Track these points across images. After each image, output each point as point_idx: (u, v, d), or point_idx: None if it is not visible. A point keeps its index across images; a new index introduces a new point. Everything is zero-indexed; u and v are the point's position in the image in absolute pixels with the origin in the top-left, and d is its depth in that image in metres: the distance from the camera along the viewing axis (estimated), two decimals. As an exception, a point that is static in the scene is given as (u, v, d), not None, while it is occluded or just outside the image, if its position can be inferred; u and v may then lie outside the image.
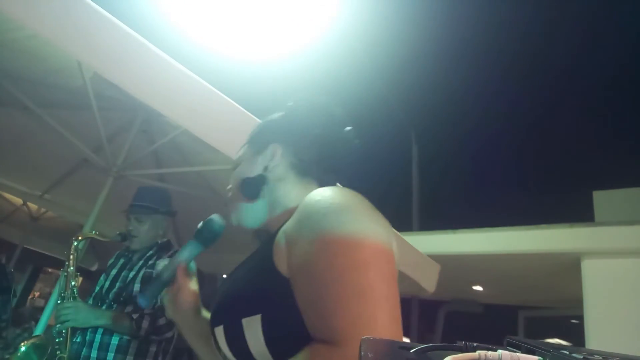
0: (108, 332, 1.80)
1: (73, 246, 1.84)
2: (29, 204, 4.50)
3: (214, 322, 0.70)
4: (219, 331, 0.68)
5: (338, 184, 0.83)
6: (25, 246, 5.09)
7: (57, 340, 1.72)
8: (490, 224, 4.39)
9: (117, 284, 1.93)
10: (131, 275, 1.93)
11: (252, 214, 0.84)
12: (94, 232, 1.98)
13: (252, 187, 0.83)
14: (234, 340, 0.65)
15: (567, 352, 0.25)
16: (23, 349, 1.67)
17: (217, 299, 0.73)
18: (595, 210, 5.60)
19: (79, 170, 3.38)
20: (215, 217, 0.92)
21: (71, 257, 1.83)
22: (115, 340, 1.80)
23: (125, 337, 1.81)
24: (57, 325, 1.71)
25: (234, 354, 0.66)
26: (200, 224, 0.92)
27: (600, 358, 0.24)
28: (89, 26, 1.40)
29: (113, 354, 1.78)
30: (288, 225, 0.66)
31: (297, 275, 0.59)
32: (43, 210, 4.62)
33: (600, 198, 5.67)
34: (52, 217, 4.76)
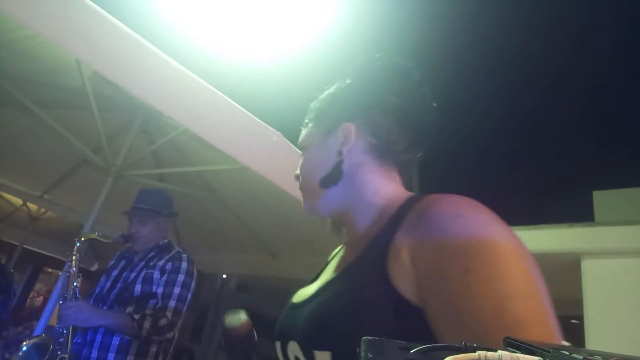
0: (109, 332, 1.80)
1: (76, 247, 1.85)
2: (29, 204, 4.50)
3: (313, 344, 0.57)
4: (322, 356, 0.55)
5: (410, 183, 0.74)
6: (25, 246, 5.09)
7: (58, 340, 1.72)
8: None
9: (119, 285, 1.93)
10: (132, 276, 1.93)
11: (327, 203, 0.72)
12: (96, 233, 1.98)
13: (331, 179, 0.70)
14: None
15: (567, 353, 0.24)
16: (24, 348, 1.67)
17: (315, 316, 0.59)
18: (595, 210, 5.60)
19: (79, 170, 3.38)
20: (231, 323, 0.78)
21: (74, 257, 1.83)
22: (116, 340, 1.80)
23: (126, 338, 1.81)
24: (59, 325, 1.71)
25: None
26: (224, 339, 0.78)
27: (600, 358, 0.24)
28: (88, 25, 1.40)
29: (114, 354, 1.78)
30: (412, 242, 0.53)
31: (443, 311, 0.47)
32: (43, 210, 4.62)
33: (600, 198, 5.67)
34: (52, 217, 4.76)
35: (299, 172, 0.77)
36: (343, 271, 0.63)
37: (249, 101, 2.24)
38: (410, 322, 0.49)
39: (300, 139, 0.79)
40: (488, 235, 0.49)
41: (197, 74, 1.76)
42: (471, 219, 0.51)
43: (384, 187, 0.68)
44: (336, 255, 0.80)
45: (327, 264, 0.82)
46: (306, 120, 0.78)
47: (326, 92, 0.76)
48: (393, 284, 0.52)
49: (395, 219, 0.59)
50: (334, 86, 0.76)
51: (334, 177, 0.69)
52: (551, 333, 0.44)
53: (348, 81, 0.73)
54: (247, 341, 0.77)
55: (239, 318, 0.78)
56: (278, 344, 0.67)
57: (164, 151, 2.94)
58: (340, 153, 0.69)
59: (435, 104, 0.72)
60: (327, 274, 0.72)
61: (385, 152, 0.69)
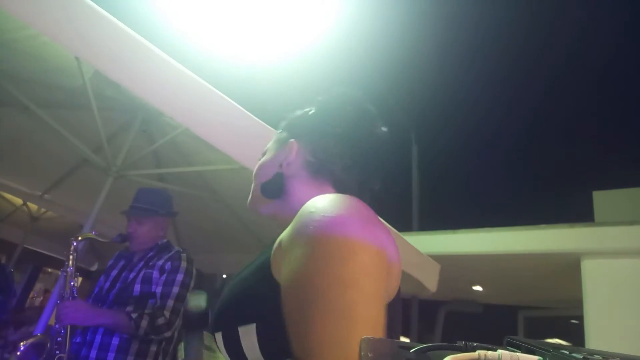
0: (108, 332, 1.80)
1: (72, 246, 1.85)
2: (29, 204, 4.49)
3: (214, 328, 0.69)
4: (218, 337, 0.67)
5: (331, 190, 0.80)
6: (25, 246, 5.09)
7: (56, 339, 1.72)
8: (490, 224, 4.39)
9: (118, 285, 1.93)
10: (131, 276, 1.93)
11: (264, 207, 0.84)
12: (93, 232, 1.98)
13: (269, 187, 0.83)
14: (232, 347, 0.65)
15: (567, 352, 0.24)
16: (22, 348, 1.67)
17: (218, 304, 0.72)
18: (595, 210, 5.60)
19: (79, 170, 3.38)
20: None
21: (70, 257, 1.83)
22: (115, 340, 1.80)
23: (125, 337, 1.81)
24: (57, 325, 1.71)
25: (232, 359, 0.66)
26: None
27: (600, 358, 0.24)
28: (88, 25, 1.40)
29: (114, 354, 1.78)
30: (285, 232, 0.63)
31: (284, 287, 0.56)
32: (43, 210, 4.62)
33: (600, 198, 5.67)
34: (52, 217, 4.76)
35: (254, 171, 0.90)
36: (246, 265, 0.76)
37: (249, 101, 2.24)
38: (275, 301, 0.57)
39: (266, 145, 0.92)
40: (329, 243, 0.54)
41: (197, 74, 1.76)
42: (313, 218, 0.58)
43: (310, 196, 0.74)
44: None
45: None
46: (277, 131, 0.91)
47: (293, 114, 0.89)
48: (271, 270, 0.62)
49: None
50: (300, 111, 0.89)
51: (271, 186, 0.82)
52: (366, 329, 0.47)
53: (310, 108, 0.86)
54: (204, 319, 0.87)
55: (201, 304, 0.89)
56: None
57: (164, 151, 2.94)
58: (280, 165, 0.82)
59: (384, 138, 0.82)
60: None
61: (320, 169, 0.80)
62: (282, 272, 0.58)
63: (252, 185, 0.88)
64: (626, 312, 3.40)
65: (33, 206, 4.57)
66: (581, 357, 0.24)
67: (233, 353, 0.65)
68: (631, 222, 3.62)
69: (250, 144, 1.91)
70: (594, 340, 3.42)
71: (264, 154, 0.90)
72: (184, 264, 1.97)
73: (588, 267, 3.71)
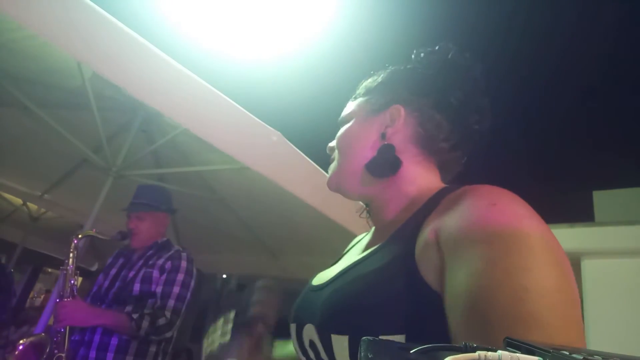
0: (107, 332, 1.79)
1: (73, 244, 1.84)
2: (29, 204, 4.49)
3: (331, 328, 0.55)
4: (339, 340, 0.53)
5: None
6: (25, 246, 5.08)
7: (55, 339, 1.71)
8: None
9: (117, 284, 1.92)
10: (131, 274, 1.92)
11: (359, 186, 0.68)
12: (93, 230, 1.98)
13: (379, 162, 0.65)
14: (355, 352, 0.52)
15: (567, 353, 0.24)
16: (21, 347, 1.67)
17: (335, 299, 0.57)
18: (595, 210, 5.60)
19: (79, 170, 3.38)
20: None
21: (71, 255, 1.83)
22: (114, 340, 1.79)
23: (125, 337, 1.80)
24: (56, 325, 1.71)
25: None
26: None
27: (600, 358, 0.24)
28: (88, 26, 1.40)
29: (113, 354, 1.77)
30: (441, 227, 0.51)
31: (458, 295, 0.45)
32: (43, 210, 4.62)
33: (600, 198, 5.66)
34: (52, 217, 4.76)
35: (334, 144, 0.73)
36: (367, 255, 0.60)
37: (249, 101, 2.24)
38: (428, 307, 0.48)
39: (344, 112, 0.74)
40: (519, 227, 0.45)
41: (197, 74, 1.75)
42: (504, 209, 0.48)
43: (420, 177, 0.66)
44: (359, 242, 0.77)
45: (348, 250, 0.80)
46: (355, 95, 0.75)
47: (384, 71, 0.73)
48: (418, 269, 0.50)
49: (426, 207, 0.58)
50: (393, 67, 0.72)
51: (381, 162, 0.64)
52: (569, 335, 0.40)
53: (409, 66, 0.70)
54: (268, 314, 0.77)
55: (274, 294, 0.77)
56: (293, 327, 0.65)
57: (164, 151, 2.94)
58: (384, 135, 0.66)
59: (489, 119, 0.69)
60: (349, 258, 0.69)
61: (429, 145, 0.66)
62: (452, 278, 0.46)
63: (338, 160, 0.71)
64: (626, 312, 3.40)
65: (33, 206, 4.57)
66: (581, 357, 0.23)
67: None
68: (631, 222, 3.62)
69: (250, 144, 1.91)
70: (594, 340, 3.42)
71: (342, 124, 0.73)
72: (184, 264, 1.97)
73: (588, 267, 3.71)
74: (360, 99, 0.73)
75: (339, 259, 0.77)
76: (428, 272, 0.49)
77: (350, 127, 0.70)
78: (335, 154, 0.72)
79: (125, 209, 2.05)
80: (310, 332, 0.59)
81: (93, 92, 2.18)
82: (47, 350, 1.68)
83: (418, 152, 0.66)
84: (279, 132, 1.96)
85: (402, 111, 0.66)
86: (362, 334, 0.47)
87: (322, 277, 0.69)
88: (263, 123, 1.94)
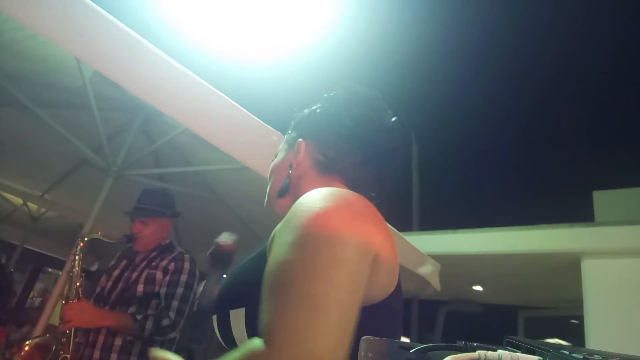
0: (111, 332, 1.80)
1: (78, 247, 1.84)
2: (29, 204, 4.49)
3: (212, 311, 0.74)
4: (214, 319, 0.71)
5: (337, 184, 0.80)
6: (25, 246, 5.08)
7: (60, 340, 1.72)
8: (490, 224, 4.39)
9: (120, 285, 1.92)
10: (134, 276, 1.93)
11: (280, 207, 0.85)
12: (99, 233, 1.97)
13: (282, 192, 0.84)
14: (223, 329, 0.68)
15: (567, 352, 0.25)
16: (27, 348, 1.67)
17: (219, 290, 0.77)
18: (595, 210, 5.60)
19: (79, 170, 3.38)
20: (220, 239, 0.95)
21: (76, 257, 1.83)
22: (118, 341, 1.80)
23: (128, 338, 1.80)
24: (62, 326, 1.71)
25: (223, 342, 0.70)
26: (210, 250, 0.96)
27: (600, 358, 0.24)
28: (88, 26, 1.40)
29: (117, 355, 1.78)
30: (280, 223, 0.68)
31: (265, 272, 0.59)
32: (43, 210, 4.62)
33: (600, 198, 5.67)
34: (52, 217, 4.76)
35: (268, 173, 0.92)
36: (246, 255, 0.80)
37: (249, 101, 2.24)
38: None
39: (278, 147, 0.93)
40: (298, 218, 0.59)
41: (197, 74, 1.76)
42: (303, 203, 0.62)
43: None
44: None
45: None
46: (287, 132, 0.92)
47: (300, 114, 0.90)
48: (265, 257, 0.64)
49: None
50: (306, 110, 0.89)
51: (284, 189, 0.83)
52: (286, 304, 0.51)
53: (318, 106, 0.86)
54: (230, 257, 0.93)
55: (232, 237, 0.94)
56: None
57: (164, 151, 2.94)
58: (290, 166, 0.82)
59: (395, 130, 0.82)
60: None
61: (329, 167, 0.80)
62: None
63: (268, 186, 0.89)
64: (626, 312, 3.40)
65: (33, 206, 4.57)
66: (581, 357, 0.24)
67: (223, 335, 0.69)
68: (631, 222, 3.62)
69: (250, 144, 1.91)
70: (594, 340, 3.42)
71: (276, 155, 0.91)
72: (187, 265, 1.97)
73: (588, 267, 3.71)
74: (286, 135, 0.91)
75: None
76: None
77: (275, 161, 0.89)
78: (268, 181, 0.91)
79: (129, 213, 2.05)
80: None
81: (93, 92, 2.18)
82: (52, 351, 1.69)
83: (318, 174, 0.80)
84: (279, 132, 1.96)
85: (303, 144, 0.82)
86: (221, 311, 0.69)
87: None
88: (263, 123, 1.94)
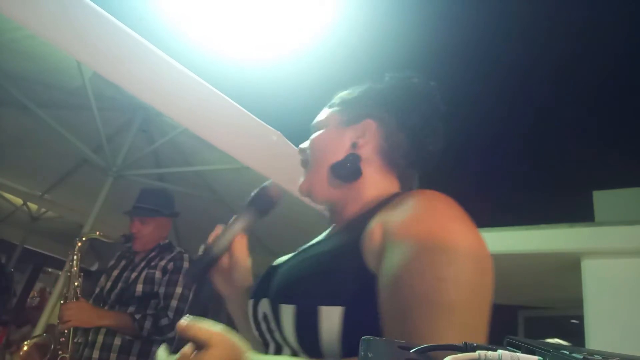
0: (110, 332, 1.80)
1: (77, 247, 1.85)
2: (29, 204, 4.49)
3: (280, 298, 0.63)
4: (287, 309, 0.61)
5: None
6: (25, 246, 5.08)
7: (59, 340, 1.72)
8: (490, 224, 4.38)
9: (119, 285, 1.93)
10: (133, 276, 1.93)
11: (327, 189, 0.75)
12: (98, 233, 1.98)
13: (344, 169, 0.72)
14: (305, 324, 0.59)
15: (567, 352, 0.25)
16: (25, 348, 1.67)
17: (287, 274, 0.66)
18: (595, 210, 5.59)
19: (79, 170, 3.38)
20: (270, 183, 0.80)
21: (75, 257, 1.83)
22: (117, 340, 1.80)
23: (127, 338, 1.81)
24: (61, 326, 1.72)
25: (298, 337, 0.60)
26: (254, 192, 0.80)
27: (600, 358, 0.24)
28: (88, 26, 1.40)
29: (116, 355, 1.78)
30: (387, 221, 0.59)
31: (388, 277, 0.53)
32: (43, 210, 4.62)
33: (600, 198, 5.66)
34: (52, 217, 4.76)
35: (306, 146, 0.80)
36: (319, 240, 0.72)
37: (249, 101, 2.24)
38: (366, 286, 0.56)
39: (318, 118, 0.81)
40: (448, 228, 0.54)
41: (197, 74, 1.76)
42: (439, 211, 0.57)
43: (379, 184, 0.73)
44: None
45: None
46: (330, 104, 0.82)
47: (358, 87, 0.81)
48: (362, 255, 0.59)
49: (377, 206, 0.67)
50: (366, 85, 0.80)
51: (347, 168, 0.71)
52: (476, 326, 0.48)
53: (380, 86, 0.79)
54: (270, 205, 0.81)
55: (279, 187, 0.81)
56: (251, 302, 0.72)
57: (164, 151, 2.94)
58: (355, 145, 0.73)
59: (444, 139, 0.77)
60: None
61: (390, 158, 0.74)
62: (389, 261, 0.54)
63: (310, 165, 0.77)
64: (626, 312, 3.40)
65: (33, 206, 4.57)
66: (581, 357, 0.24)
67: (303, 331, 0.60)
68: (631, 222, 3.62)
69: (250, 144, 1.91)
70: (594, 340, 3.42)
71: (315, 130, 0.80)
72: (186, 265, 1.97)
73: (588, 267, 3.71)
74: (334, 109, 0.80)
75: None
76: (369, 257, 0.58)
77: (323, 134, 0.78)
78: (308, 156, 0.79)
79: (128, 213, 2.05)
80: (264, 305, 0.67)
81: (93, 92, 2.19)
82: (51, 350, 1.69)
83: (381, 163, 0.74)
84: (279, 132, 1.96)
85: (374, 126, 0.74)
86: (306, 304, 0.60)
87: (282, 259, 0.79)
88: (263, 123, 1.94)
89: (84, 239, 1.88)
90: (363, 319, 0.56)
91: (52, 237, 5.40)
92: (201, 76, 1.75)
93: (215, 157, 2.44)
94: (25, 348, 1.67)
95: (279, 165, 2.01)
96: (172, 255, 1.99)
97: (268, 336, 0.66)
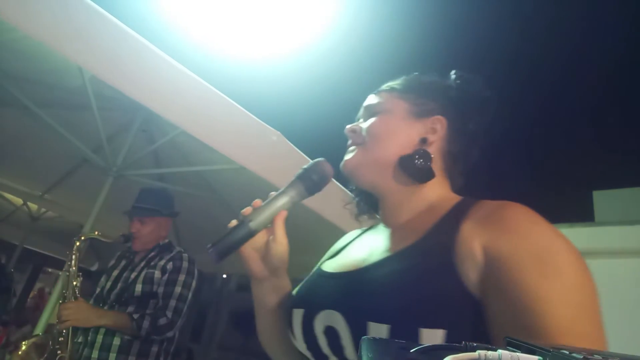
0: (109, 332, 1.80)
1: (75, 246, 1.85)
2: (29, 204, 4.50)
3: (369, 315, 0.56)
4: (377, 328, 0.55)
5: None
6: (25, 246, 5.08)
7: (58, 340, 1.72)
8: (490, 224, 4.38)
9: (119, 285, 1.93)
10: (133, 276, 1.93)
11: (381, 176, 0.70)
12: (96, 232, 1.98)
13: (418, 167, 0.66)
14: None
15: (567, 352, 0.25)
16: (24, 348, 1.67)
17: (372, 289, 0.59)
18: (595, 210, 5.60)
19: (79, 170, 3.38)
20: (324, 160, 0.72)
21: (73, 257, 1.83)
22: (117, 340, 1.80)
23: (127, 337, 1.81)
24: (59, 325, 1.72)
25: None
26: (306, 166, 0.72)
27: (600, 358, 0.24)
28: (87, 27, 1.40)
29: (115, 354, 1.78)
30: (488, 239, 0.54)
31: (513, 305, 0.49)
32: (43, 210, 4.62)
33: (600, 198, 5.66)
34: (52, 217, 4.76)
35: (358, 127, 0.74)
36: (402, 253, 0.62)
37: (249, 101, 2.24)
38: (467, 307, 0.52)
39: (377, 100, 0.75)
40: (562, 246, 0.52)
41: (197, 74, 1.75)
42: (546, 228, 0.54)
43: (439, 186, 0.70)
44: (360, 238, 0.80)
45: (347, 244, 0.81)
46: (389, 86, 0.76)
47: (420, 76, 0.77)
48: (457, 271, 0.54)
49: (454, 214, 0.62)
50: (430, 76, 0.76)
51: (419, 166, 0.66)
52: (603, 341, 0.50)
53: (449, 83, 0.74)
54: (322, 182, 0.72)
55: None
56: (299, 312, 0.66)
57: (164, 151, 2.94)
58: (425, 140, 0.68)
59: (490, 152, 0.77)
60: (360, 251, 0.71)
61: (447, 160, 0.71)
62: (506, 284, 0.50)
63: (367, 145, 0.71)
64: (626, 312, 3.40)
65: (33, 206, 4.58)
66: (581, 357, 0.24)
67: None
68: (631, 222, 3.62)
69: (249, 144, 1.91)
70: (594, 340, 3.42)
71: (369, 111, 0.74)
72: (185, 264, 1.97)
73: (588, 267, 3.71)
74: (399, 94, 0.74)
75: (337, 252, 0.79)
76: (468, 276, 0.53)
77: (390, 119, 0.71)
78: (364, 138, 0.72)
79: (128, 213, 2.05)
80: (331, 319, 0.60)
81: (93, 92, 2.18)
82: (49, 350, 1.69)
83: (442, 167, 0.71)
84: (279, 132, 1.96)
85: (446, 125, 0.70)
86: (404, 324, 0.54)
87: (334, 266, 0.71)
88: (263, 123, 1.94)
89: (82, 238, 1.88)
90: (465, 340, 0.52)
91: (52, 237, 5.41)
92: (201, 76, 1.75)
93: (215, 157, 2.43)
94: (23, 348, 1.67)
95: (279, 165, 2.01)
96: (172, 254, 1.99)
97: (327, 351, 0.60)
